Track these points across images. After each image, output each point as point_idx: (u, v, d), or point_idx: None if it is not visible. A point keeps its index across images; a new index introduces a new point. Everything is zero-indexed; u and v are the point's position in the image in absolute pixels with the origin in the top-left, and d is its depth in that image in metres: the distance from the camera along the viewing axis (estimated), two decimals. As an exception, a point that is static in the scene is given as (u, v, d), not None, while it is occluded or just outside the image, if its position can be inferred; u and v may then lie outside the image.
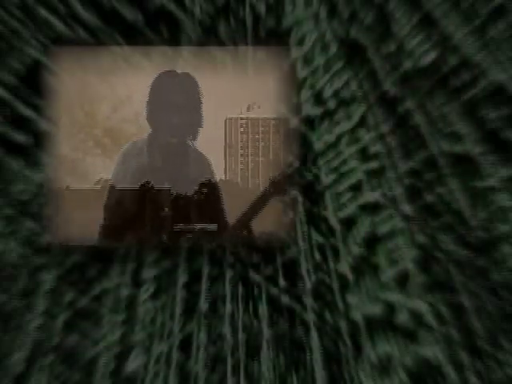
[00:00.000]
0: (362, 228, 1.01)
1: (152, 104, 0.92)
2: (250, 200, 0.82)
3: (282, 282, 1.02)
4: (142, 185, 0.87)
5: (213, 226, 0.84)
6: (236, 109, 0.85)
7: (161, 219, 0.88)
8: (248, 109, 0.87)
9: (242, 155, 0.85)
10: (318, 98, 1.05)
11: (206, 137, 0.84)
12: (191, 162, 0.85)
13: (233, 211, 0.84)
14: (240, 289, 1.02)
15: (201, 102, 0.86)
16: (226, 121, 0.86)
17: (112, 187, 0.91)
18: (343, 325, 0.99)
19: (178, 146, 0.86)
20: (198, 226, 0.84)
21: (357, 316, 0.99)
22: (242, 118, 0.86)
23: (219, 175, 0.81)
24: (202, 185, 0.83)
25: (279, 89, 0.98)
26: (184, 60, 1.05)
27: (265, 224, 0.87)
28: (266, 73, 1.02)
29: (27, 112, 1.02)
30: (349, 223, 1.02)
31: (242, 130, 0.86)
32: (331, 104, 1.04)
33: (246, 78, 0.97)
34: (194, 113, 0.86)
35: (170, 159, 0.85)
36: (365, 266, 1.01)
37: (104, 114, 1.00)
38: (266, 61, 1.05)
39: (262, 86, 0.88)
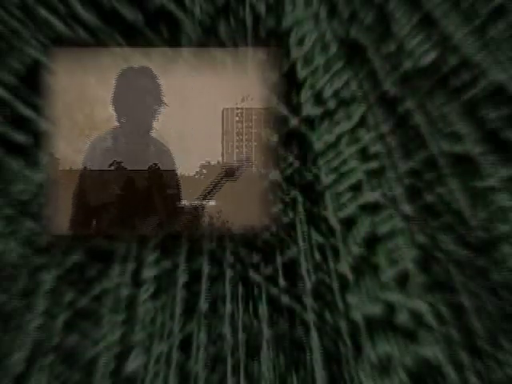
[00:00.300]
0: (362, 228, 1.02)
1: (118, 96, 0.99)
2: (245, 180, 0.93)
3: (282, 281, 1.02)
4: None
5: (212, 203, 0.92)
6: (232, 100, 0.95)
7: (166, 198, 0.95)
8: (242, 100, 0.96)
9: (237, 141, 0.96)
10: (318, 98, 1.05)
11: (206, 125, 0.94)
12: (152, 150, 0.95)
13: (229, 189, 0.94)
14: (240, 289, 1.02)
15: (160, 90, 0.95)
16: (223, 111, 0.96)
17: (89, 171, 0.96)
18: (343, 325, 0.99)
19: (141, 134, 0.96)
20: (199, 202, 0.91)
21: (357, 316, 0.99)
22: (237, 108, 0.96)
23: (217, 159, 0.92)
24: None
25: (278, 87, 1.02)
26: (184, 60, 1.05)
27: (251, 217, 0.95)
28: (265, 71, 1.03)
29: (27, 112, 1.02)
30: (349, 223, 1.02)
31: (237, 118, 0.96)
32: (331, 104, 1.04)
33: (244, 76, 1.02)
34: (156, 99, 0.96)
35: (133, 147, 0.95)
36: (365, 266, 1.01)
37: (103, 117, 1.03)
38: (266, 61, 1.05)
39: (256, 81, 0.98)
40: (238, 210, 0.96)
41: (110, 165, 0.97)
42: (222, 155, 0.94)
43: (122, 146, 0.97)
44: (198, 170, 0.93)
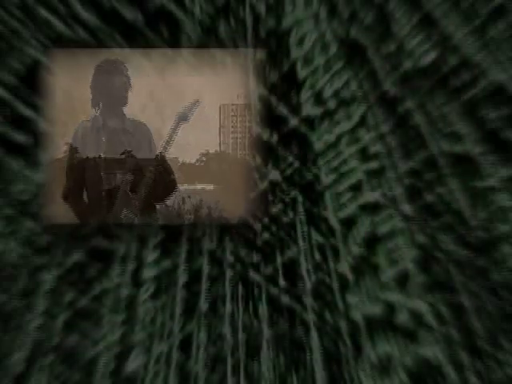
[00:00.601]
0: (362, 228, 1.02)
1: (94, 86, 1.05)
2: (239, 165, 1.04)
3: (282, 282, 1.02)
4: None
5: (210, 187, 1.01)
6: (230, 98, 1.05)
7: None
8: (237, 97, 1.04)
9: (232, 132, 1.05)
10: (318, 98, 1.05)
11: (205, 119, 1.04)
12: (128, 126, 1.04)
13: (227, 173, 1.04)
14: (240, 289, 1.02)
15: (129, 78, 1.04)
16: (220, 107, 1.06)
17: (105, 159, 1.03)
18: (343, 325, 0.99)
19: (115, 110, 1.05)
20: (199, 187, 1.01)
21: (357, 316, 0.99)
22: (233, 104, 1.05)
23: (215, 148, 1.03)
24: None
25: (278, 86, 1.05)
26: (184, 60, 1.05)
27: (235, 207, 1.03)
28: (265, 71, 1.05)
29: (27, 112, 1.02)
30: (349, 223, 1.02)
31: (232, 113, 1.05)
32: (331, 104, 1.04)
33: (244, 76, 1.04)
34: (126, 78, 1.04)
35: (109, 124, 1.04)
36: (365, 266, 1.01)
37: None
38: (266, 61, 1.05)
39: (254, 80, 1.06)
40: (233, 200, 1.03)
41: (122, 153, 1.03)
42: (220, 145, 1.04)
43: (100, 125, 1.04)
44: (198, 157, 1.02)
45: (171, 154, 1.01)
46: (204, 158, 1.03)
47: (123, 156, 1.03)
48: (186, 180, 1.02)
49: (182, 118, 1.01)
